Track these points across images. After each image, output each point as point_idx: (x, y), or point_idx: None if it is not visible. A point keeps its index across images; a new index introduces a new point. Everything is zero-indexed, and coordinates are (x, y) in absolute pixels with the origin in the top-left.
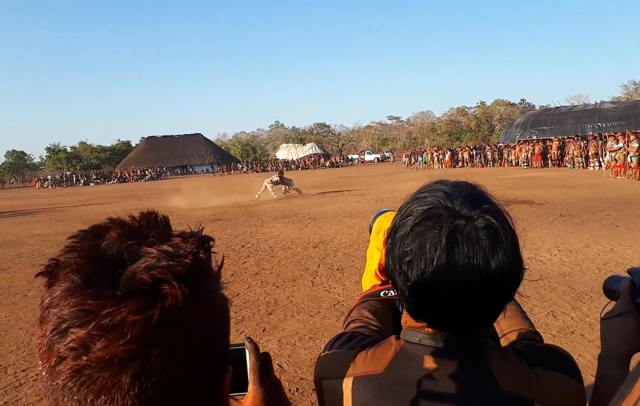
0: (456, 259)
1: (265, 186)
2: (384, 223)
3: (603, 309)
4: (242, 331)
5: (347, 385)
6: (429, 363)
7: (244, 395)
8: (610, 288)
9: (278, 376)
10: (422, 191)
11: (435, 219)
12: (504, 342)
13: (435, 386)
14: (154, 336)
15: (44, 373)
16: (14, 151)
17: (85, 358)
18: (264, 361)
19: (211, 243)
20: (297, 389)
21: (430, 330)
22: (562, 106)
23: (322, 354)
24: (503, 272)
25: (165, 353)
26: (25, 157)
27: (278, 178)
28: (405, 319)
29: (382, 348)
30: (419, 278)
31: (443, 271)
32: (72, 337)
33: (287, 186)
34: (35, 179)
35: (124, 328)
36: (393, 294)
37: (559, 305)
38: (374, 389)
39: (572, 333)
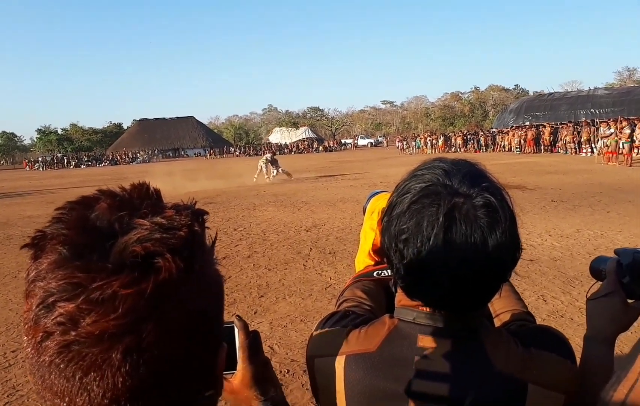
0: (454, 237)
1: (261, 167)
2: (378, 203)
3: (589, 289)
4: (234, 313)
5: (340, 362)
6: (423, 342)
7: (233, 373)
8: (597, 268)
9: (269, 358)
10: (420, 169)
11: (433, 197)
12: (497, 322)
13: (428, 366)
14: (146, 311)
15: (29, 349)
16: (4, 132)
17: (73, 333)
18: (253, 339)
19: (205, 217)
20: (288, 371)
21: (425, 309)
22: (555, 92)
23: (314, 332)
24: (500, 251)
25: (158, 328)
26: (16, 138)
27: (270, 156)
28: (400, 298)
29: (375, 327)
30: (415, 256)
31: (440, 249)
32: (59, 311)
33: (277, 169)
34: (26, 161)
35: (115, 301)
36: (386, 274)
37: (549, 289)
38: (367, 367)
39: (562, 316)
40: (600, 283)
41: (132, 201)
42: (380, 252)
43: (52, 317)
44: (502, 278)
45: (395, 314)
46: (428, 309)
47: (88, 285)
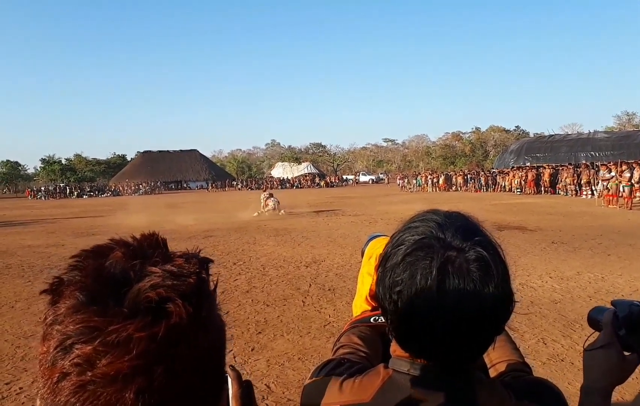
0: (446, 291)
1: (266, 201)
2: (376, 248)
3: (586, 339)
4: (231, 350)
5: None
6: (417, 394)
7: None
8: (595, 319)
9: (265, 397)
10: (415, 220)
11: (427, 250)
12: (492, 372)
13: None
14: (158, 353)
15: (44, 390)
16: (8, 161)
17: (90, 373)
18: (246, 389)
19: (210, 265)
20: None
21: (418, 361)
22: (556, 134)
23: (308, 380)
24: (493, 305)
25: (168, 370)
26: (20, 167)
27: (268, 193)
28: (394, 348)
29: (369, 377)
30: (408, 308)
31: (433, 303)
32: (77, 353)
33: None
34: (29, 189)
35: (129, 344)
36: (383, 320)
37: (549, 332)
38: None
39: (562, 360)
40: (598, 333)
41: (143, 250)
42: (376, 300)
43: (70, 358)
44: (495, 331)
45: (390, 365)
46: (422, 361)
47: (104, 329)
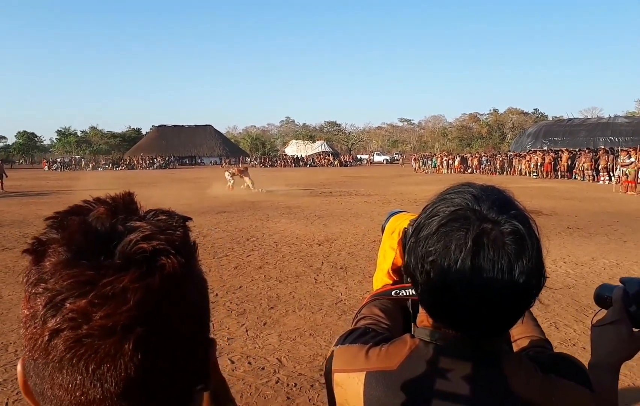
0: (481, 263)
1: (241, 176)
2: (398, 223)
3: (594, 316)
4: (244, 324)
5: (360, 379)
6: (444, 363)
7: None
8: (602, 296)
9: (277, 371)
10: (449, 192)
11: (462, 221)
12: (515, 347)
13: (448, 387)
14: (154, 304)
15: (33, 352)
16: (24, 132)
17: (85, 327)
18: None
19: (189, 222)
20: (295, 384)
21: (447, 331)
22: (575, 118)
23: (335, 347)
24: (526, 278)
25: (165, 320)
26: (36, 138)
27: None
28: (422, 318)
29: (396, 345)
30: (441, 278)
31: (467, 273)
32: (70, 307)
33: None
34: (45, 161)
35: (126, 295)
36: (404, 293)
37: (561, 317)
38: (387, 385)
39: (574, 345)
40: (604, 310)
41: (125, 206)
42: (400, 271)
43: (62, 314)
44: (526, 304)
45: (417, 335)
46: (450, 332)
47: (98, 282)
